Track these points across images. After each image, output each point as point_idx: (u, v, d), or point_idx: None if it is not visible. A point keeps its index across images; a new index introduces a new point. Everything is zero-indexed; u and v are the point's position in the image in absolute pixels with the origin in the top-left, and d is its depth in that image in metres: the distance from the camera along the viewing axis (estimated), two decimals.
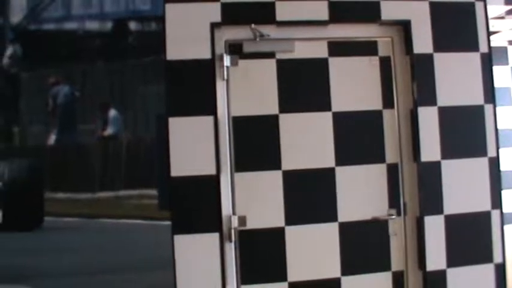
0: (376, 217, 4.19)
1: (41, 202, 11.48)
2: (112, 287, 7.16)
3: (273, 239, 4.10)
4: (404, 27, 4.26)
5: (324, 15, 4.17)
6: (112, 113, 15.75)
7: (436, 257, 4.16)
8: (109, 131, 15.69)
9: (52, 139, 16.26)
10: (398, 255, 4.21)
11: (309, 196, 4.14)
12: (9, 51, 16.46)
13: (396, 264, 4.20)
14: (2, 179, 11.49)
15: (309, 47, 4.19)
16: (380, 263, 4.18)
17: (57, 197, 14.42)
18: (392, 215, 4.20)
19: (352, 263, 4.14)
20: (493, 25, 5.17)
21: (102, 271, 7.85)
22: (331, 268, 4.13)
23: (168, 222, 4.10)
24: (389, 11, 4.22)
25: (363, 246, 4.17)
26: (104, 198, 14.59)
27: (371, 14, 4.21)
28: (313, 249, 4.12)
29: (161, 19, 4.09)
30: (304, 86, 4.19)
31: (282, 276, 4.10)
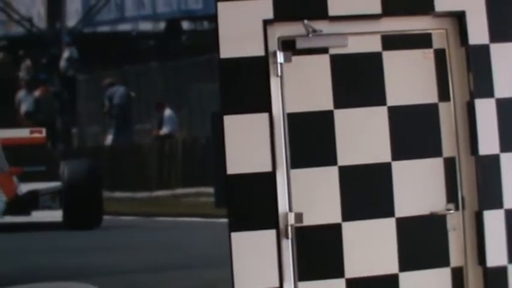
0: (434, 212, 4.14)
1: (99, 201, 11.65)
2: (170, 284, 7.23)
3: (330, 235, 4.08)
4: (458, 18, 4.20)
5: (377, 8, 4.14)
6: (167, 112, 15.89)
7: (496, 253, 4.09)
8: (165, 130, 15.83)
9: (109, 139, 16.47)
10: (457, 250, 4.15)
11: (366, 191, 4.12)
12: (65, 54, 16.73)
13: (455, 259, 4.15)
14: (62, 179, 11.68)
15: (362, 41, 4.17)
16: (438, 258, 4.13)
17: (115, 196, 14.61)
18: (451, 209, 4.15)
19: (410, 259, 4.10)
20: None
21: (160, 268, 7.94)
22: (389, 264, 4.10)
23: (225, 220, 4.12)
24: (443, 2, 4.16)
25: (421, 241, 4.13)
26: (161, 196, 14.74)
27: (424, 5, 4.16)
28: (370, 245, 4.10)
29: (214, 18, 4.11)
30: (358, 80, 4.17)
31: (339, 272, 4.08)
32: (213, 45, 4.15)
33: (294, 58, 4.13)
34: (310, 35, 4.10)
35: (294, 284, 4.06)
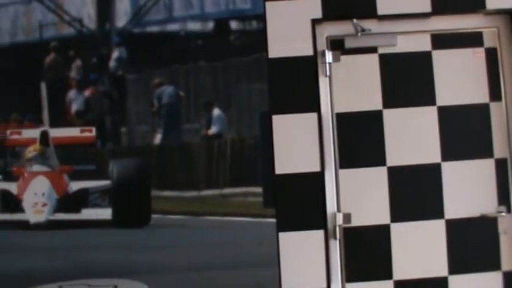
0: (485, 214, 4.09)
1: (148, 200, 11.74)
2: (218, 283, 7.25)
3: (378, 236, 4.06)
4: (511, 16, 4.14)
5: (427, 7, 4.10)
6: (216, 112, 15.94)
7: None
8: (213, 129, 15.88)
9: (158, 139, 16.58)
10: (508, 254, 4.09)
11: (415, 192, 4.08)
12: (115, 54, 16.89)
13: (507, 263, 4.08)
14: (111, 178, 11.80)
15: (411, 41, 4.13)
16: (489, 262, 4.07)
17: (164, 195, 14.71)
18: (502, 212, 4.09)
19: (460, 262, 4.05)
20: None
21: (207, 267, 7.97)
22: (438, 266, 4.05)
23: (273, 220, 4.12)
24: (494, 0, 4.11)
25: (471, 244, 4.07)
26: (209, 196, 14.78)
27: (475, 3, 4.11)
28: (419, 246, 4.06)
29: (262, 17, 4.11)
30: (407, 80, 4.14)
31: (387, 274, 4.05)
32: (261, 45, 4.15)
33: (343, 57, 4.11)
34: (359, 34, 4.08)
35: (342, 285, 4.04)
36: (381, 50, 4.14)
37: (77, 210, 11.62)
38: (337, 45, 4.12)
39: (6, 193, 11.33)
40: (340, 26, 4.10)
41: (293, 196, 4.03)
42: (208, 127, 16.05)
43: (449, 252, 4.07)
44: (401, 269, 4.06)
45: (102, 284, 6.75)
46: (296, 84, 4.06)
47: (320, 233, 4.01)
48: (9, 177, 11.81)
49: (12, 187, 11.42)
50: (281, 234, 4.01)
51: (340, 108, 4.10)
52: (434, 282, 4.06)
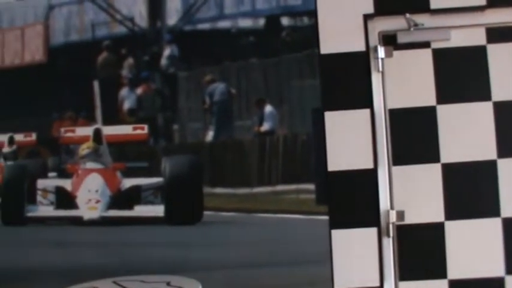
0: None
1: (200, 197, 11.80)
2: (270, 280, 7.25)
3: (432, 235, 4.00)
4: None
5: None
6: (268, 108, 15.93)
7: None
8: (265, 126, 15.88)
9: (210, 136, 16.65)
10: None
11: (470, 190, 4.02)
12: (166, 52, 17.01)
13: None
14: (163, 175, 11.89)
15: (465, 35, 4.07)
16: None
17: (216, 192, 14.76)
18: None
19: None
20: None
21: (260, 264, 7.97)
22: (494, 266, 3.98)
23: (326, 217, 4.10)
24: None
25: None
26: (261, 193, 14.79)
27: None
28: (474, 245, 4.00)
29: (313, 13, 4.09)
30: (461, 75, 4.07)
31: (441, 273, 4.00)
32: (313, 41, 4.13)
33: (395, 53, 4.07)
34: (412, 29, 4.03)
35: (395, 283, 4.00)
36: (434, 45, 4.08)
37: (130, 207, 11.74)
38: (390, 41, 4.08)
39: (61, 190, 11.51)
40: (393, 21, 4.06)
41: (346, 193, 4.00)
42: (261, 124, 16.04)
43: (506, 251, 3.99)
44: (456, 268, 4.00)
45: (155, 280, 6.79)
46: (348, 80, 4.03)
47: (373, 231, 3.98)
48: (63, 174, 12.00)
49: (66, 184, 11.59)
50: (334, 232, 3.99)
51: (393, 104, 4.06)
52: (491, 283, 3.99)
